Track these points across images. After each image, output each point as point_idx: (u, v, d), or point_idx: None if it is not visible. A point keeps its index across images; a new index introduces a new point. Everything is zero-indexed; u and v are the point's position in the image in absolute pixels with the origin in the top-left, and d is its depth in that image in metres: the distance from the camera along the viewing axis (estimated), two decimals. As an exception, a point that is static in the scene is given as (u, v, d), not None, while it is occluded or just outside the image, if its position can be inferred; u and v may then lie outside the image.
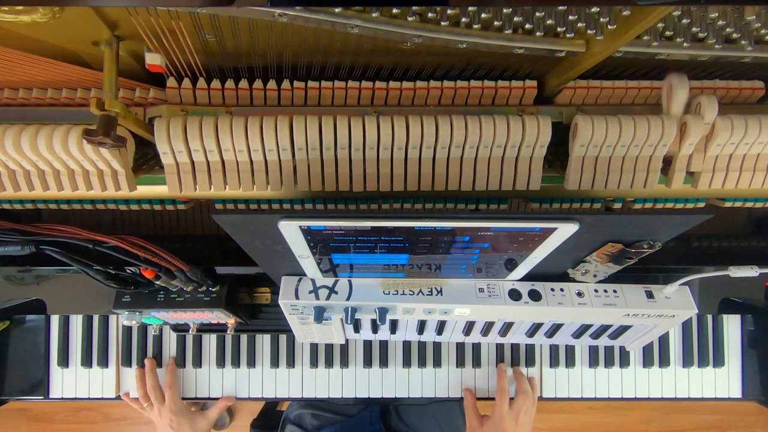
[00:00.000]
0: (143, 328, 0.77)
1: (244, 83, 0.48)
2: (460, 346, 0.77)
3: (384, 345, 0.77)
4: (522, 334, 0.69)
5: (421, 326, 0.68)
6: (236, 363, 0.76)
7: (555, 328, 0.65)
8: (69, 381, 0.76)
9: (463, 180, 0.47)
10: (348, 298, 0.56)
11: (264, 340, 0.77)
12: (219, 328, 0.73)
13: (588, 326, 0.65)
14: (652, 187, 0.48)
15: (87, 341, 0.76)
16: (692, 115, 0.45)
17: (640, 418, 1.54)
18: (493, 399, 0.74)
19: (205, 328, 0.73)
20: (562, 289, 0.58)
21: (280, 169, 0.46)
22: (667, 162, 0.48)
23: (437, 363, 0.77)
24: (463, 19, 0.41)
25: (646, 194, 0.52)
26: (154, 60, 0.44)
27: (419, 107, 0.49)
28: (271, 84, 0.48)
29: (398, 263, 0.52)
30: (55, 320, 0.76)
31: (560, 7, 0.41)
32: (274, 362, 0.77)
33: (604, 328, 0.66)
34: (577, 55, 0.44)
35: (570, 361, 0.77)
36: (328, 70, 0.50)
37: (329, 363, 0.76)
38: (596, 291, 0.58)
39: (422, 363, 0.77)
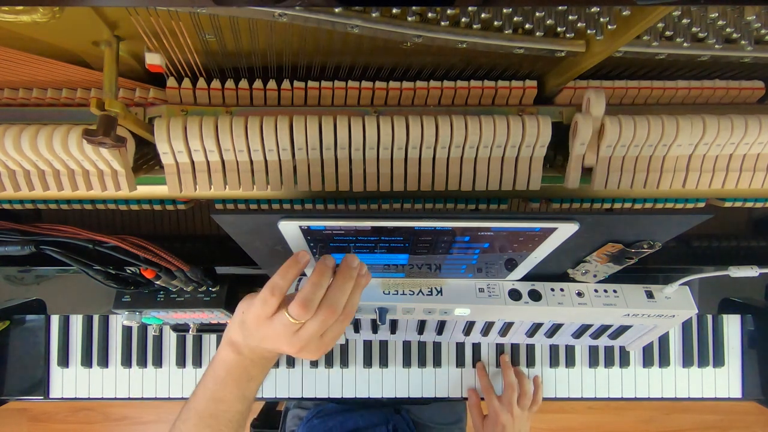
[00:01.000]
0: (143, 328, 0.77)
1: (244, 83, 0.48)
2: (460, 346, 0.77)
3: (384, 345, 0.77)
4: (522, 334, 0.69)
5: (421, 326, 0.68)
6: (236, 363, 0.76)
7: (555, 328, 0.66)
8: (69, 381, 0.76)
9: (463, 180, 0.47)
10: (348, 298, 0.56)
11: (264, 340, 0.77)
12: (219, 328, 0.73)
13: (588, 326, 0.65)
14: (651, 187, 0.48)
15: (87, 341, 0.76)
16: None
17: (640, 418, 1.54)
18: (498, 397, 0.74)
19: (205, 328, 0.73)
20: (562, 289, 0.58)
21: (280, 169, 0.46)
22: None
23: (437, 363, 0.77)
24: (463, 19, 0.41)
25: (646, 194, 0.52)
26: (154, 60, 0.44)
27: (419, 107, 0.49)
28: (271, 84, 0.48)
29: (398, 263, 0.52)
30: (55, 320, 0.76)
31: (560, 7, 0.41)
32: (274, 362, 0.77)
33: (604, 328, 0.66)
34: (577, 55, 0.44)
35: (570, 361, 0.77)
36: (328, 70, 0.50)
37: (329, 363, 0.76)
38: (596, 291, 0.58)
39: (422, 363, 0.77)
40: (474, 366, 0.77)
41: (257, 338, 0.42)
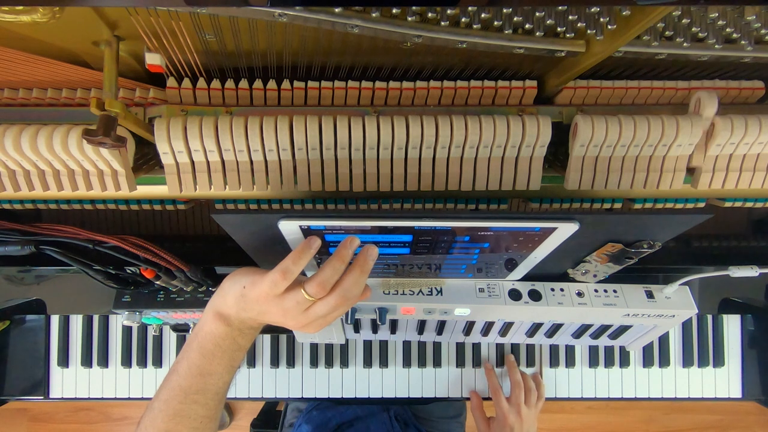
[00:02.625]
0: (143, 328, 0.77)
1: (244, 83, 0.48)
2: (460, 346, 0.77)
3: (384, 345, 0.77)
4: (522, 334, 0.69)
5: (421, 326, 0.68)
6: (236, 363, 0.76)
7: (555, 328, 0.66)
8: (69, 381, 0.76)
9: (463, 180, 0.47)
10: (348, 298, 0.56)
11: (264, 340, 0.77)
12: (219, 328, 0.73)
13: (588, 326, 0.65)
14: (651, 188, 0.48)
15: (87, 341, 0.76)
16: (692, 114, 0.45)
17: (640, 418, 1.54)
18: (506, 398, 0.74)
19: (205, 328, 0.73)
20: (562, 289, 0.58)
21: (280, 169, 0.46)
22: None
23: (437, 363, 0.77)
24: (463, 19, 0.41)
25: (646, 194, 0.52)
26: (154, 60, 0.44)
27: (419, 107, 0.49)
28: (271, 84, 0.48)
29: (398, 263, 0.52)
30: (55, 320, 0.76)
31: (560, 7, 0.41)
32: (274, 362, 0.77)
33: (604, 328, 0.66)
34: (577, 55, 0.44)
35: (570, 361, 0.77)
36: (328, 70, 0.50)
37: (329, 363, 0.76)
38: (596, 291, 0.58)
39: (422, 363, 0.77)
40: (474, 366, 0.77)
41: (255, 312, 0.43)
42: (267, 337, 0.77)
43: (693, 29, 0.44)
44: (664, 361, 0.76)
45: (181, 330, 0.74)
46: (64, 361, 0.76)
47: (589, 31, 0.42)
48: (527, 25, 0.41)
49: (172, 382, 0.44)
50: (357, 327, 0.70)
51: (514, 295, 0.58)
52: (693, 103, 0.46)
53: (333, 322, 0.45)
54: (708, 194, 0.52)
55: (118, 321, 0.77)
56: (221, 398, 0.46)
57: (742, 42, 0.45)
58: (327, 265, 0.40)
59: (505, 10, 0.40)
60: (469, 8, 0.40)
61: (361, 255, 0.41)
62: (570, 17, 0.41)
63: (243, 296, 0.43)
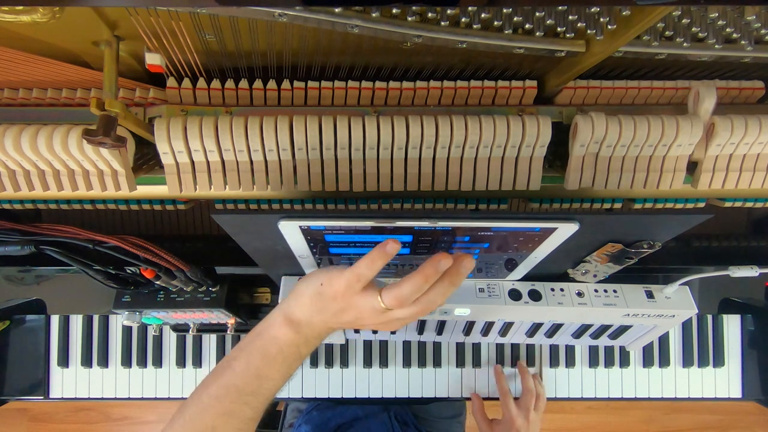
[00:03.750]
0: (143, 328, 0.77)
1: (244, 83, 0.48)
2: (460, 346, 0.77)
3: (384, 345, 0.77)
4: (522, 334, 0.69)
5: (421, 326, 0.68)
6: (236, 363, 0.76)
7: (555, 328, 0.66)
8: (69, 381, 0.76)
9: (463, 180, 0.47)
10: (348, 298, 0.56)
11: (264, 340, 0.77)
12: (219, 328, 0.73)
13: (588, 326, 0.65)
14: (651, 188, 0.48)
15: (87, 341, 0.76)
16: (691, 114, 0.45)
17: (640, 418, 1.54)
18: (496, 399, 0.74)
19: (205, 328, 0.73)
20: (562, 289, 0.58)
21: (280, 169, 0.46)
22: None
23: (437, 363, 0.77)
24: (463, 19, 0.41)
25: (646, 194, 0.52)
26: (154, 60, 0.44)
27: (419, 107, 0.49)
28: (271, 84, 0.48)
29: (398, 263, 0.52)
30: (55, 320, 0.76)
31: (560, 7, 0.41)
32: (274, 362, 0.77)
33: (604, 328, 0.66)
34: (577, 55, 0.44)
35: (570, 361, 0.77)
36: (328, 70, 0.50)
37: (329, 363, 0.76)
38: (596, 291, 0.58)
39: (422, 363, 0.77)
40: (474, 366, 0.77)
41: (331, 312, 0.42)
42: (267, 337, 0.77)
43: (693, 29, 0.44)
44: (664, 361, 0.76)
45: (181, 330, 0.74)
46: (64, 361, 0.76)
47: (589, 31, 0.42)
48: (527, 25, 0.41)
49: (226, 379, 0.43)
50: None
51: (514, 295, 0.58)
52: (691, 97, 0.46)
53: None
54: (708, 194, 0.52)
55: (118, 321, 0.77)
56: (268, 403, 0.45)
57: (742, 42, 0.45)
58: (410, 280, 0.38)
59: (505, 10, 0.40)
60: (469, 8, 0.40)
61: (455, 267, 0.38)
62: (570, 17, 0.41)
63: (320, 294, 0.42)
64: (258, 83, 0.48)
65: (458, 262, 0.38)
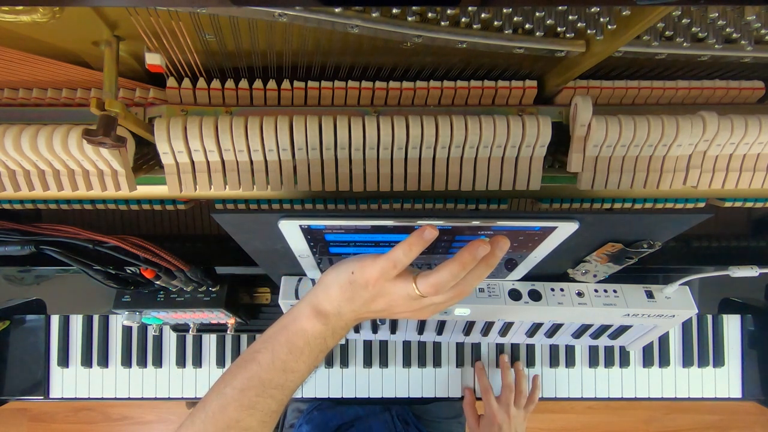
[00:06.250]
0: (143, 328, 0.77)
1: (244, 83, 0.48)
2: (460, 346, 0.77)
3: (384, 345, 0.77)
4: (522, 334, 0.69)
5: (421, 326, 0.69)
6: (236, 363, 0.76)
7: (555, 328, 0.66)
8: (69, 381, 0.76)
9: (463, 180, 0.47)
10: (348, 298, 0.56)
11: (264, 340, 0.77)
12: (219, 328, 0.73)
13: (588, 326, 0.65)
14: (651, 187, 0.48)
15: (87, 341, 0.76)
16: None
17: (640, 418, 1.54)
18: (496, 398, 0.74)
19: (205, 328, 0.73)
20: (562, 289, 0.58)
21: (280, 169, 0.46)
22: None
23: (437, 363, 0.77)
24: (463, 19, 0.41)
25: (646, 194, 0.52)
26: (154, 60, 0.44)
27: (419, 107, 0.49)
28: (271, 84, 0.48)
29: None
30: (55, 320, 0.76)
31: (560, 7, 0.41)
32: (274, 362, 0.77)
33: (604, 328, 0.66)
34: (577, 55, 0.44)
35: (570, 361, 0.77)
36: (328, 70, 0.50)
37: (329, 363, 0.76)
38: (596, 291, 0.58)
39: (422, 363, 0.77)
40: (473, 366, 0.77)
41: (363, 299, 0.41)
42: (267, 337, 0.77)
43: (693, 29, 0.44)
44: (664, 361, 0.76)
45: (181, 330, 0.74)
46: (64, 361, 0.76)
47: (589, 31, 0.42)
48: (527, 25, 0.41)
49: (251, 372, 0.42)
50: (357, 327, 0.70)
51: (514, 295, 0.58)
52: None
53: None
54: (708, 194, 0.52)
55: (118, 321, 0.77)
56: (292, 396, 0.44)
57: (742, 42, 0.45)
58: (447, 267, 0.37)
59: (505, 10, 0.40)
60: (469, 8, 0.40)
61: (492, 252, 0.37)
62: (570, 17, 0.41)
63: (351, 283, 0.41)
64: (258, 83, 0.48)
65: (495, 245, 0.37)
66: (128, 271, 0.57)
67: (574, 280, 0.58)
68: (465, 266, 0.37)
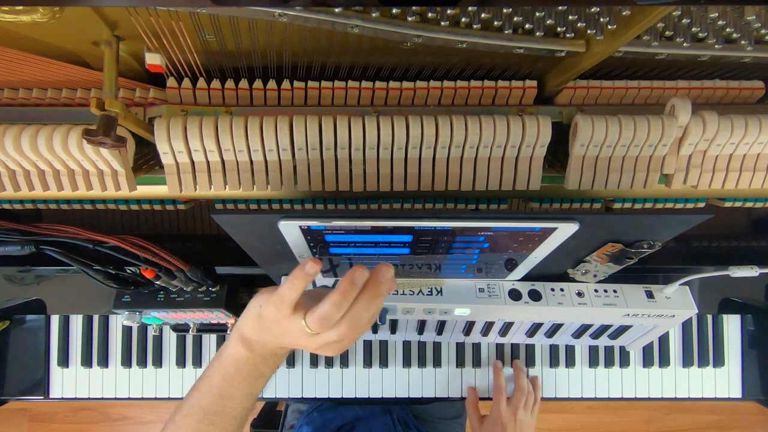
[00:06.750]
0: (143, 328, 0.77)
1: (244, 83, 0.48)
2: (460, 346, 0.77)
3: (384, 345, 0.77)
4: (522, 334, 0.69)
5: (421, 326, 0.68)
6: (236, 363, 0.76)
7: (555, 328, 0.66)
8: (69, 381, 0.76)
9: (463, 180, 0.47)
10: (348, 298, 0.56)
11: (264, 340, 0.77)
12: (219, 328, 0.73)
13: (588, 326, 0.65)
14: (652, 187, 0.48)
15: (87, 341, 0.76)
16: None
17: (640, 418, 1.54)
18: (491, 399, 0.74)
19: (205, 328, 0.73)
20: (562, 289, 0.58)
21: (280, 169, 0.46)
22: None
23: (437, 363, 0.77)
24: (463, 19, 0.41)
25: (646, 194, 0.52)
26: (154, 60, 0.44)
27: (419, 107, 0.49)
28: (271, 84, 0.48)
29: (398, 263, 0.52)
30: (55, 320, 0.76)
31: (560, 7, 0.41)
32: (274, 362, 0.77)
33: (604, 328, 0.66)
34: (577, 55, 0.44)
35: (570, 361, 0.77)
36: (328, 70, 0.50)
37: (329, 363, 0.76)
38: (596, 291, 0.58)
39: (422, 363, 0.77)
40: (474, 366, 0.77)
41: (276, 333, 0.41)
42: (267, 337, 0.77)
43: (693, 29, 0.44)
44: (664, 361, 0.76)
45: (181, 330, 0.74)
46: (64, 361, 0.76)
47: (589, 31, 0.42)
48: (527, 25, 0.41)
49: (193, 399, 0.43)
50: (357, 327, 0.70)
51: (514, 295, 0.58)
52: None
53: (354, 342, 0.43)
54: (708, 194, 0.52)
55: (118, 321, 0.77)
56: (240, 424, 0.45)
57: (742, 42, 0.45)
58: (328, 299, 0.36)
59: (505, 10, 0.40)
60: (469, 8, 0.40)
61: (372, 279, 0.37)
62: (570, 17, 0.41)
63: (260, 316, 0.41)
64: (258, 83, 0.48)
65: (375, 272, 0.37)
66: (128, 271, 0.57)
67: (574, 280, 0.58)
68: (345, 294, 0.36)
